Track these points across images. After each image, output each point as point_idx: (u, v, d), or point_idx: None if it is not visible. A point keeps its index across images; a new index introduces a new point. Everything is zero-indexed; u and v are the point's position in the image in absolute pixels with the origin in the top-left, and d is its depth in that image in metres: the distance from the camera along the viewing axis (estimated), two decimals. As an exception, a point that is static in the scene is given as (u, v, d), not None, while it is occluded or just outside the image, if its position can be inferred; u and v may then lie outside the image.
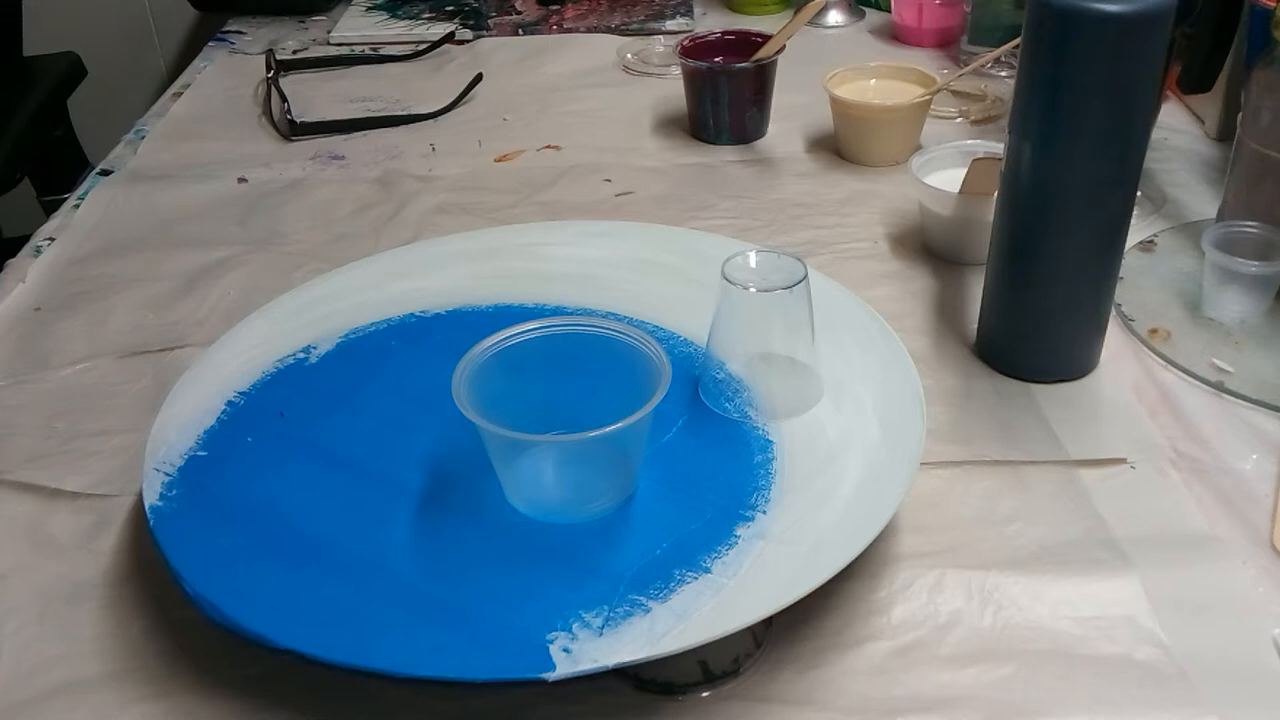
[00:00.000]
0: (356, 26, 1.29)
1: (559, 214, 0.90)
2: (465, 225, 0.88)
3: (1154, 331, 0.73)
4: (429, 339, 0.70)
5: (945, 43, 1.20)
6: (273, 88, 1.11)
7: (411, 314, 0.72)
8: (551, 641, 0.49)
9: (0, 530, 0.62)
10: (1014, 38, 0.77)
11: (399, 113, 1.08)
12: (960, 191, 0.78)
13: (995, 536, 0.59)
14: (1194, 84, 0.83)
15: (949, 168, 0.83)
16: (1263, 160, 0.74)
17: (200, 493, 0.58)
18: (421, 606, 0.51)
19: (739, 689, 0.52)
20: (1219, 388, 0.68)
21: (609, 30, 1.27)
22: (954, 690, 0.51)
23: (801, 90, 1.03)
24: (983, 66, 1.02)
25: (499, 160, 1.00)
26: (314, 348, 0.69)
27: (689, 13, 1.30)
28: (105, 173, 1.01)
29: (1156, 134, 0.90)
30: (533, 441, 0.56)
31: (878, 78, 0.98)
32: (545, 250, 0.78)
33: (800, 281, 0.60)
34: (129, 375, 0.74)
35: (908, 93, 0.95)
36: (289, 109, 1.06)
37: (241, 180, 0.99)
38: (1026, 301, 0.68)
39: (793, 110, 1.03)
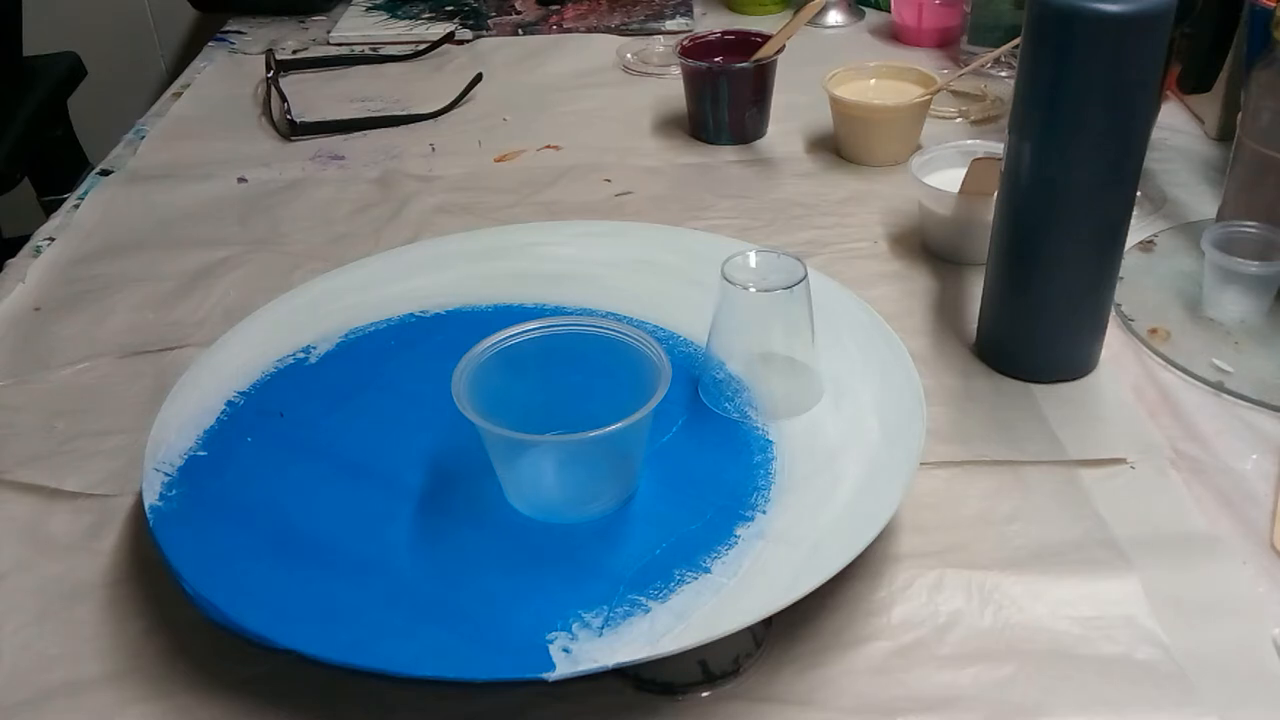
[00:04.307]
0: (356, 26, 1.29)
1: (559, 214, 0.90)
2: (465, 225, 0.88)
3: (1154, 331, 0.73)
4: (429, 339, 0.70)
5: (945, 43, 1.20)
6: (273, 88, 1.11)
7: (411, 314, 0.72)
8: (551, 641, 0.49)
9: (0, 530, 0.62)
10: (1014, 38, 0.77)
11: (399, 113, 1.08)
12: (960, 191, 0.78)
13: (995, 536, 0.59)
14: (1194, 84, 0.83)
15: (949, 168, 0.83)
16: (1263, 160, 0.74)
17: (200, 493, 0.58)
18: (421, 606, 0.51)
19: (739, 689, 0.52)
20: (1219, 388, 0.68)
21: (609, 30, 1.27)
22: (954, 690, 0.51)
23: (801, 90, 1.03)
24: (983, 66, 1.02)
25: (499, 160, 1.00)
26: (314, 348, 0.69)
27: (689, 13, 1.30)
28: (105, 173, 1.01)
29: (1156, 134, 0.90)
30: (533, 442, 0.56)
31: (878, 78, 0.98)
32: (545, 250, 0.78)
33: (800, 281, 0.60)
34: (129, 375, 0.74)
35: (908, 93, 0.95)
36: (289, 109, 1.06)
37: (241, 180, 0.99)
38: (1026, 301, 0.68)
39: (793, 110, 1.03)
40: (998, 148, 0.76)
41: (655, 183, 0.95)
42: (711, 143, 1.01)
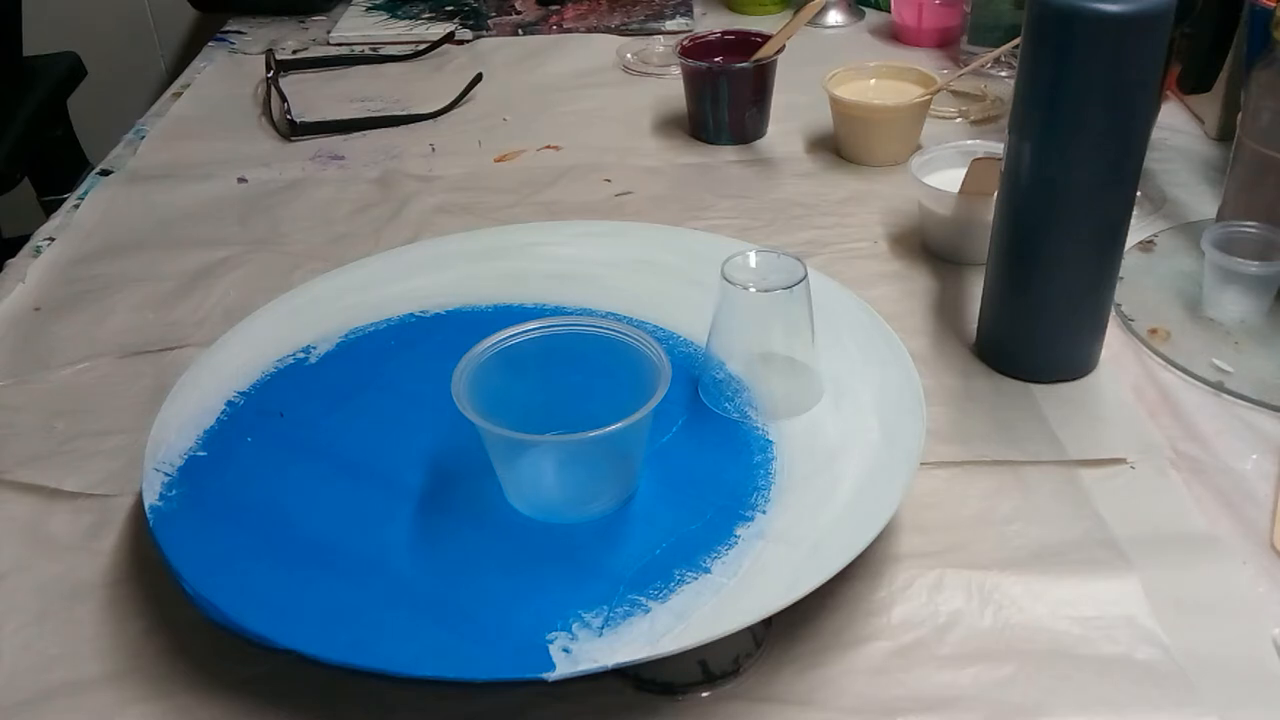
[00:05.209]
0: (356, 26, 1.29)
1: (559, 214, 0.90)
2: (465, 225, 0.88)
3: (1154, 331, 0.73)
4: (429, 339, 0.70)
5: (945, 43, 1.20)
6: (273, 88, 1.11)
7: (411, 314, 0.72)
8: (551, 641, 0.49)
9: (0, 530, 0.62)
10: (1014, 38, 0.77)
11: (399, 113, 1.08)
12: (960, 191, 0.78)
13: (995, 536, 0.59)
14: (1194, 84, 0.83)
15: (949, 168, 0.83)
16: (1263, 160, 0.74)
17: (200, 493, 0.58)
18: (421, 606, 0.51)
19: (739, 689, 0.52)
20: (1219, 388, 0.68)
21: (609, 30, 1.27)
22: (954, 690, 0.51)
23: (801, 90, 1.03)
24: (983, 66, 1.02)
25: (499, 160, 1.00)
26: (314, 348, 0.69)
27: (689, 13, 1.30)
28: (105, 173, 1.01)
29: (1156, 134, 0.90)
30: (533, 442, 0.56)
31: (878, 78, 0.98)
32: (545, 250, 0.78)
33: (800, 281, 0.60)
34: (129, 375, 0.74)
35: (908, 93, 0.95)
36: (289, 109, 1.06)
37: (241, 180, 0.99)
38: (1026, 301, 0.68)
39: (793, 110, 1.03)
40: (998, 148, 0.76)
41: (655, 183, 0.95)
42: (711, 143, 1.01)
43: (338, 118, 1.07)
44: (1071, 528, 0.59)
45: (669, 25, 1.27)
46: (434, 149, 1.03)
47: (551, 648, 0.49)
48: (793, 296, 0.60)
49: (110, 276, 0.85)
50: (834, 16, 1.28)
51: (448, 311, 0.72)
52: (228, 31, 1.33)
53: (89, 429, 0.69)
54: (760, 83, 0.99)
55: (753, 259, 0.62)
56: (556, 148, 1.02)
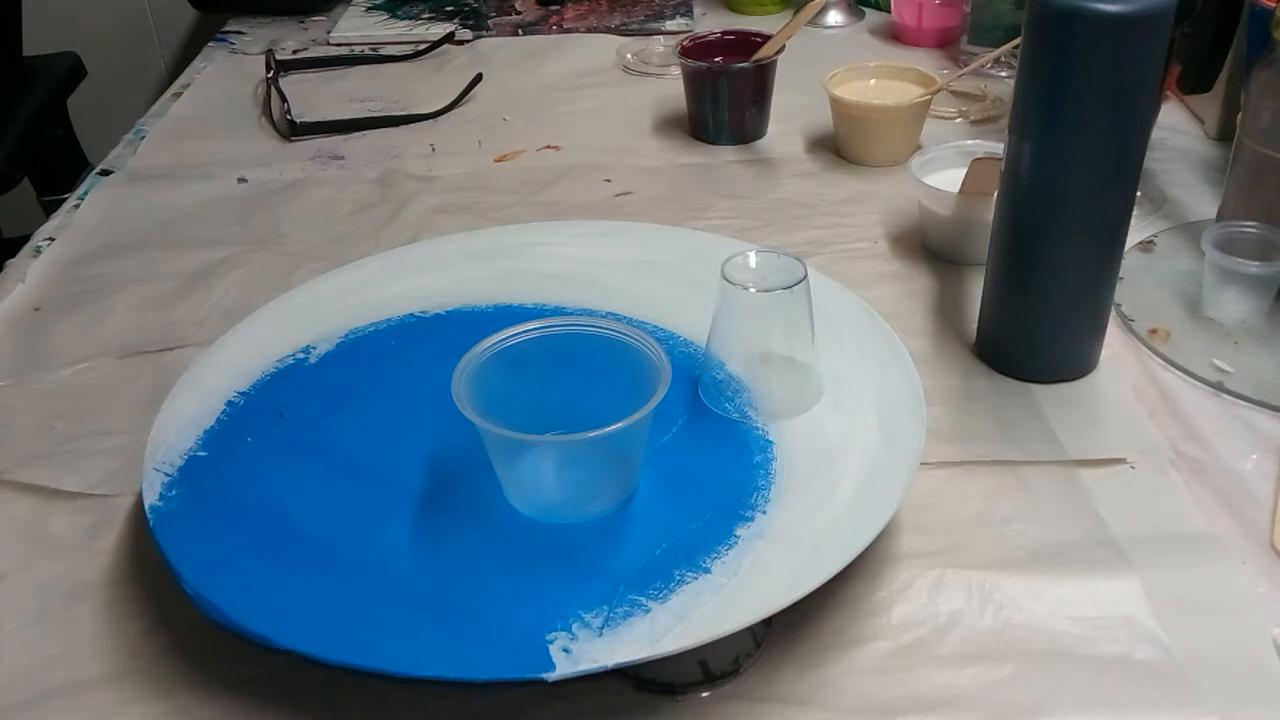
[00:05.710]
0: (356, 26, 1.29)
1: (559, 214, 0.90)
2: (465, 225, 0.88)
3: (1154, 331, 0.73)
4: (429, 339, 0.70)
5: (945, 43, 1.20)
6: (273, 88, 1.11)
7: (411, 314, 0.72)
8: (551, 641, 0.49)
9: (0, 530, 0.62)
10: (1014, 38, 0.77)
11: (399, 113, 1.08)
12: (960, 191, 0.78)
13: (995, 536, 0.59)
14: (1194, 84, 0.83)
15: (949, 168, 0.83)
16: (1263, 160, 0.74)
17: (200, 493, 0.58)
18: (421, 606, 0.51)
19: (739, 689, 0.52)
20: (1219, 388, 0.68)
21: (609, 30, 1.27)
22: (954, 690, 0.51)
23: (801, 90, 1.03)
24: (983, 66, 1.02)
25: (499, 160, 1.00)
26: (314, 348, 0.69)
27: (689, 13, 1.30)
28: (105, 173, 1.01)
29: (1156, 134, 0.90)
30: (533, 442, 0.56)
31: (878, 78, 0.98)
32: (545, 250, 0.78)
33: (800, 281, 0.60)
34: (129, 375, 0.74)
35: (908, 93, 0.95)
36: (289, 109, 1.06)
37: (241, 180, 0.99)
38: (1026, 301, 0.68)
39: (793, 110, 1.03)
40: (998, 148, 0.76)
41: (655, 183, 0.95)
42: (711, 143, 1.01)
43: (338, 118, 1.07)
44: (1071, 528, 0.59)
45: (669, 25, 1.27)
46: (434, 149, 1.03)
47: (551, 648, 0.49)
48: (793, 296, 0.60)
49: (110, 276, 0.85)
50: (834, 16, 1.28)
51: (448, 311, 0.72)
52: (228, 31, 1.33)
53: (89, 429, 0.69)
54: (760, 83, 0.99)
55: (753, 259, 0.62)
56: (556, 148, 1.02)
